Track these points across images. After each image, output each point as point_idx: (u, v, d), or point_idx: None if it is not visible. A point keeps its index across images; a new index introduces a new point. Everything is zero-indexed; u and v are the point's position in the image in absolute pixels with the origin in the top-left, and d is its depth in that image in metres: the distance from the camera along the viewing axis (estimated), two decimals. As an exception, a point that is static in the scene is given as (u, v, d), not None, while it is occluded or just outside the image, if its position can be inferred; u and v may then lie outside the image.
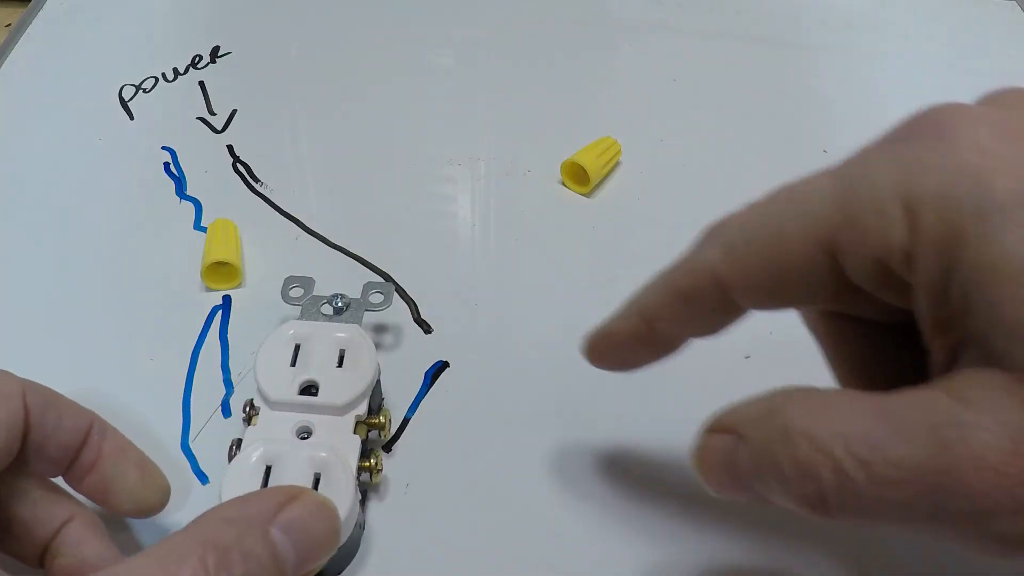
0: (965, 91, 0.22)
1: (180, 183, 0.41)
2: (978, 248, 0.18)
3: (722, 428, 0.22)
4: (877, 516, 0.19)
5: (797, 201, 0.21)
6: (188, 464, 0.30)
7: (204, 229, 0.39)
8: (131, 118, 0.45)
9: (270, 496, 0.23)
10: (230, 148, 0.43)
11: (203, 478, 0.30)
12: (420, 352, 0.34)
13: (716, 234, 0.23)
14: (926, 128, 0.20)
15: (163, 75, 0.48)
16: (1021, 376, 0.17)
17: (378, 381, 0.31)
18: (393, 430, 0.31)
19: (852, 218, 0.20)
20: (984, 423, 0.17)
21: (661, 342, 0.25)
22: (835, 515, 0.19)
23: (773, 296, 0.22)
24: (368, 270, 0.37)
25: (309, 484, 0.27)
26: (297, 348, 0.31)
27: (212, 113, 0.46)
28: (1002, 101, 0.21)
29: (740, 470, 0.21)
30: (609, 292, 0.37)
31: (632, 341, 0.25)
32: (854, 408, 0.19)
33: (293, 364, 0.30)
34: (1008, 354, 0.17)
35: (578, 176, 0.41)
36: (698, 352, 0.35)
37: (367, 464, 0.28)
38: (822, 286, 0.21)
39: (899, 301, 0.20)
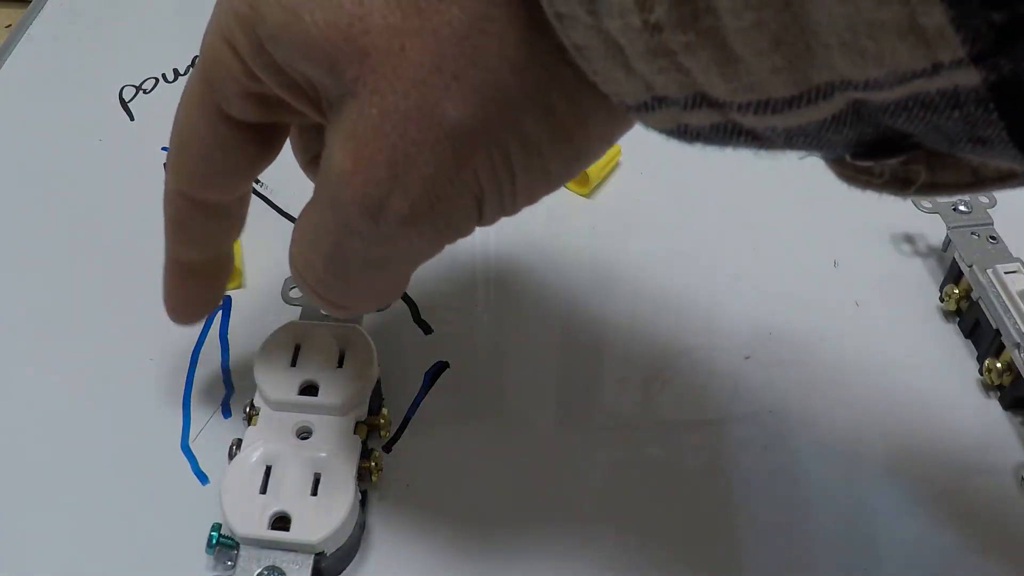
0: None
1: (180, 183, 0.41)
2: (266, 31, 0.19)
3: None
4: (351, 284, 0.23)
5: (187, 95, 0.23)
6: (188, 464, 0.30)
7: (204, 229, 0.39)
8: (131, 118, 0.45)
9: None
10: (230, 148, 0.43)
11: (203, 478, 0.30)
12: (420, 352, 0.34)
13: (167, 159, 0.25)
14: None
15: (163, 75, 0.48)
16: (339, 94, 0.19)
17: (378, 381, 0.31)
18: (393, 430, 0.31)
19: (208, 78, 0.22)
20: (332, 148, 0.19)
21: (205, 270, 0.28)
22: (336, 309, 0.24)
23: (227, 179, 0.25)
24: (368, 270, 0.37)
25: (309, 484, 0.27)
26: (297, 348, 0.31)
27: (212, 113, 0.45)
28: None
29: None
30: (609, 292, 0.38)
31: (186, 286, 0.28)
32: (303, 211, 0.23)
33: (293, 364, 0.30)
34: (329, 88, 0.19)
35: (578, 176, 0.41)
36: (698, 352, 0.35)
37: (367, 464, 0.28)
38: (249, 140, 0.23)
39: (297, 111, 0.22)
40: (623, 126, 0.20)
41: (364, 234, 0.20)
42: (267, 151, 0.25)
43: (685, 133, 0.17)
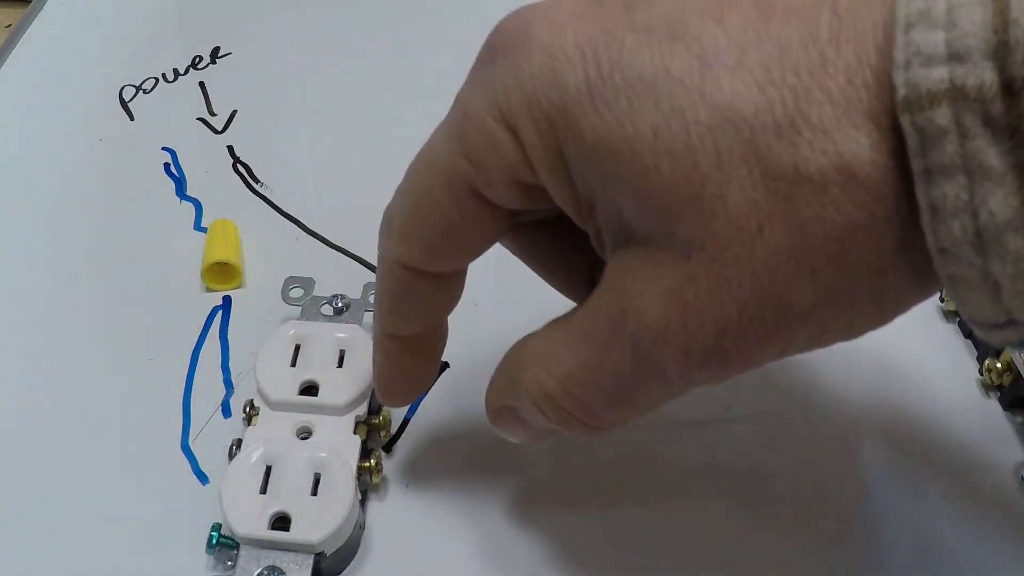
0: None
1: (180, 184, 0.41)
2: (575, 141, 0.19)
3: (496, 408, 0.25)
4: (631, 414, 0.22)
5: (432, 163, 0.22)
6: (188, 464, 0.30)
7: (204, 229, 0.39)
8: (131, 118, 0.45)
9: None
10: (230, 149, 0.43)
11: (203, 478, 0.30)
12: (420, 352, 0.34)
13: (385, 225, 0.24)
14: (501, 43, 0.20)
15: (163, 75, 0.48)
16: (651, 241, 0.19)
17: (378, 381, 0.31)
18: (393, 430, 0.31)
19: (472, 157, 0.20)
20: (645, 302, 0.19)
21: (421, 344, 0.26)
22: (597, 433, 0.22)
23: (461, 253, 0.23)
24: (368, 270, 0.37)
25: (309, 484, 0.27)
26: (297, 348, 0.31)
27: (212, 114, 0.46)
28: None
29: (531, 427, 0.24)
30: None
31: (401, 363, 0.26)
32: (552, 343, 0.22)
33: (293, 364, 0.30)
34: (633, 224, 0.19)
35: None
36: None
37: (367, 464, 0.28)
38: (494, 219, 0.22)
39: (552, 204, 0.21)
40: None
41: (672, 385, 0.20)
42: (510, 223, 0.23)
43: (1021, 345, 0.18)
